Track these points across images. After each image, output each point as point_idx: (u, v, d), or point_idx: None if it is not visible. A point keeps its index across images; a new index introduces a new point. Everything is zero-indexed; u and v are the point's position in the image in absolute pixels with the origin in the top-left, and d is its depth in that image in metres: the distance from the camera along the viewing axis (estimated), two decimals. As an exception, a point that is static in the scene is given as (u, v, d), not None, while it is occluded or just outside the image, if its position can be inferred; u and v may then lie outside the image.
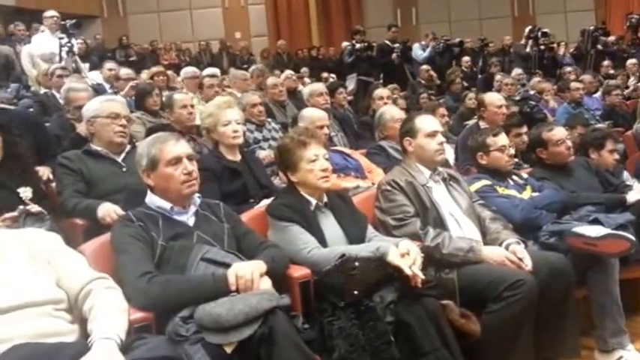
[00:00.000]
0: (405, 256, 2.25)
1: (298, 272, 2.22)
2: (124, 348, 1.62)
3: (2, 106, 3.66)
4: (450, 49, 10.19)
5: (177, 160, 2.18)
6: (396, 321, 2.15)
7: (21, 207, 2.53)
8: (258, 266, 2.00)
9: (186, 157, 2.20)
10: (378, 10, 13.78)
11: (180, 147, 2.21)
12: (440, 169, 2.88)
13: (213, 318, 1.80)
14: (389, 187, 2.73)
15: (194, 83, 5.95)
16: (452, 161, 4.02)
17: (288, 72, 6.98)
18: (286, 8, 13.67)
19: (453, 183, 2.86)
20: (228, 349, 1.79)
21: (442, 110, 5.49)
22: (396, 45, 9.35)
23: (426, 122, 2.87)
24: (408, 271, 2.19)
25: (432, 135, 2.82)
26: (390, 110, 4.20)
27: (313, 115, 3.71)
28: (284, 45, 12.00)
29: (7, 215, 2.42)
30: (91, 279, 1.82)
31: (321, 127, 3.58)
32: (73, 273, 1.83)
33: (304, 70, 9.94)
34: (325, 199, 2.55)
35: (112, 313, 1.73)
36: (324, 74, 9.69)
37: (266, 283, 1.98)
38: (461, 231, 2.68)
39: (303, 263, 2.29)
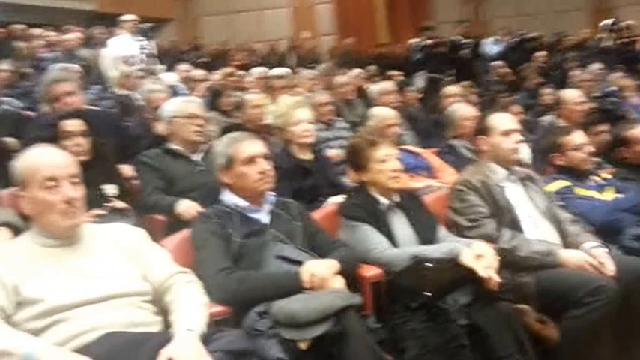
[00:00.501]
0: (480, 257, 2.22)
1: (370, 272, 2.24)
2: (204, 340, 1.67)
3: (90, 107, 3.86)
4: (523, 43, 9.89)
5: (252, 160, 2.25)
6: (470, 324, 2.13)
7: (107, 204, 2.69)
8: (330, 265, 2.04)
9: (261, 156, 2.28)
10: (448, 5, 13.54)
11: (255, 147, 2.29)
12: (516, 168, 2.82)
13: (288, 314, 1.85)
14: (462, 188, 2.69)
15: (263, 83, 6.04)
16: (527, 160, 3.92)
17: (357, 70, 6.98)
18: (353, 6, 13.65)
19: (529, 183, 2.79)
20: (303, 345, 1.83)
21: (516, 107, 5.35)
22: (467, 40, 9.18)
23: (502, 120, 2.82)
24: (482, 273, 2.16)
25: (507, 133, 2.76)
26: (461, 108, 4.14)
27: (383, 114, 3.72)
28: (351, 43, 12.01)
29: (95, 212, 2.56)
30: (174, 273, 1.90)
31: (391, 126, 3.58)
32: (158, 267, 1.91)
33: (371, 67, 9.91)
34: (396, 199, 2.55)
35: (192, 306, 1.80)
36: (392, 72, 9.63)
37: (338, 282, 2.01)
38: (538, 233, 2.61)
39: (375, 263, 2.30)
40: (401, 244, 2.42)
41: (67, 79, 3.48)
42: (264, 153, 2.30)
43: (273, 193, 2.34)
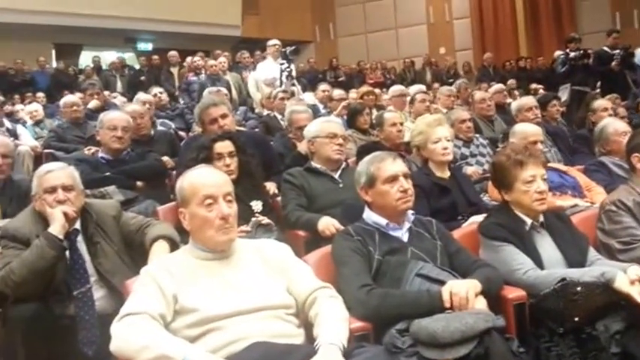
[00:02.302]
0: (636, 282, 2.07)
1: (513, 293, 2.16)
2: (346, 354, 1.72)
3: (238, 128, 4.13)
4: (680, 53, 9.02)
5: (394, 178, 2.28)
6: (623, 353, 2.00)
7: (253, 219, 2.86)
8: (473, 285, 2.00)
9: (403, 175, 2.30)
10: (594, 15, 12.75)
11: (397, 166, 2.32)
12: (674, 188, 2.60)
13: (429, 333, 1.84)
14: (614, 208, 2.54)
15: (401, 101, 6.06)
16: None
17: (498, 86, 6.79)
18: (492, 20, 13.34)
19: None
20: (444, 366, 1.82)
21: (674, 122, 4.91)
22: (616, 51, 8.57)
23: (659, 136, 2.63)
24: (639, 299, 2.02)
25: (666, 151, 2.57)
26: (613, 123, 3.88)
27: (526, 131, 3.59)
28: (490, 58, 11.70)
29: (243, 228, 2.73)
30: (317, 287, 1.98)
31: (534, 143, 3.45)
32: (301, 281, 1.99)
33: (511, 82, 9.60)
34: (541, 219, 2.45)
35: (335, 321, 1.86)
36: (533, 85, 9.26)
37: (481, 303, 1.97)
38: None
39: (518, 284, 2.22)
40: (547, 265, 2.32)
41: (221, 103, 3.75)
42: (405, 172, 2.33)
43: (412, 211, 2.36)
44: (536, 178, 2.37)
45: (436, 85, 10.05)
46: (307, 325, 1.94)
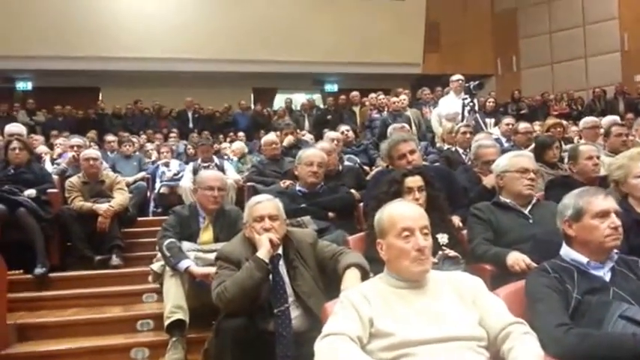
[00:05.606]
0: None
1: None
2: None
3: (424, 163, 4.21)
4: None
5: (605, 214, 2.22)
6: None
7: (440, 252, 2.90)
8: (688, 332, 1.84)
9: (614, 212, 2.24)
10: None
11: (609, 202, 2.27)
12: None
13: (638, 381, 1.73)
14: None
15: (594, 133, 5.69)
16: None
17: None
18: None
19: None
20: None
21: None
22: None
23: None
24: None
25: None
26: None
27: None
28: (699, 84, 10.51)
29: (430, 259, 2.78)
30: (511, 322, 1.95)
31: None
32: (495, 314, 1.98)
33: None
34: None
35: (530, 359, 1.82)
36: None
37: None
38: None
39: None
40: None
41: (410, 139, 3.88)
42: (617, 209, 2.26)
43: (616, 250, 2.24)
44: None
45: (629, 115, 9.25)
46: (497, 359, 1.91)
